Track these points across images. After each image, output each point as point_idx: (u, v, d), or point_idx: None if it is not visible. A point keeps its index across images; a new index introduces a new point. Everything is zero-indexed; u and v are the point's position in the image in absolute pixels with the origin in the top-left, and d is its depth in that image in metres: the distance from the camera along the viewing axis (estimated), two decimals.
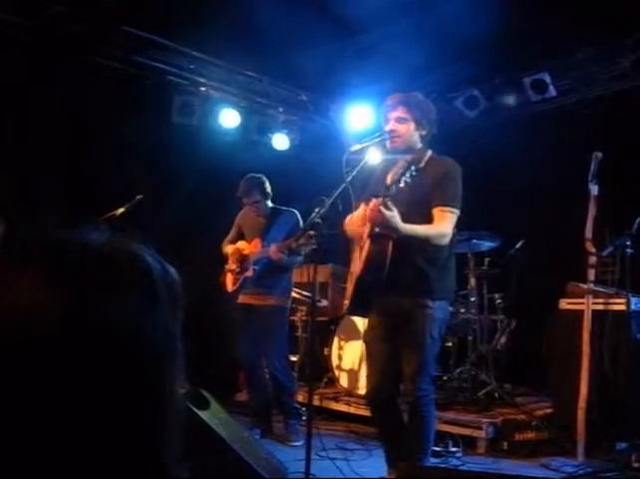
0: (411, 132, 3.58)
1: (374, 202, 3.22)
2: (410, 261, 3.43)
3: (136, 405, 0.62)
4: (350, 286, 3.67)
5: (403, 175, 3.16)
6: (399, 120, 3.56)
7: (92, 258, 0.64)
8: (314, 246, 3.58)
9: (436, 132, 3.70)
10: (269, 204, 5.32)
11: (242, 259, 5.25)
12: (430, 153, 3.65)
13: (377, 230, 3.37)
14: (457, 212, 3.48)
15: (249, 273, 5.15)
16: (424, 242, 3.42)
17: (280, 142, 7.43)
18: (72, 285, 0.61)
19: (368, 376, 3.82)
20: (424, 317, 3.45)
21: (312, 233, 3.53)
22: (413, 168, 3.20)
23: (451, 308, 5.63)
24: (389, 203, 3.19)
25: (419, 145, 3.63)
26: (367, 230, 3.47)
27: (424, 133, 3.62)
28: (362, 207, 3.67)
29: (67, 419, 0.59)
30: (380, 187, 3.47)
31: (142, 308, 0.64)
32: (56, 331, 0.59)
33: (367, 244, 3.43)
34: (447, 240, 3.47)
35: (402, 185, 3.18)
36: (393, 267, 3.37)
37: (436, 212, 3.44)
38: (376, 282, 3.42)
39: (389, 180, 3.21)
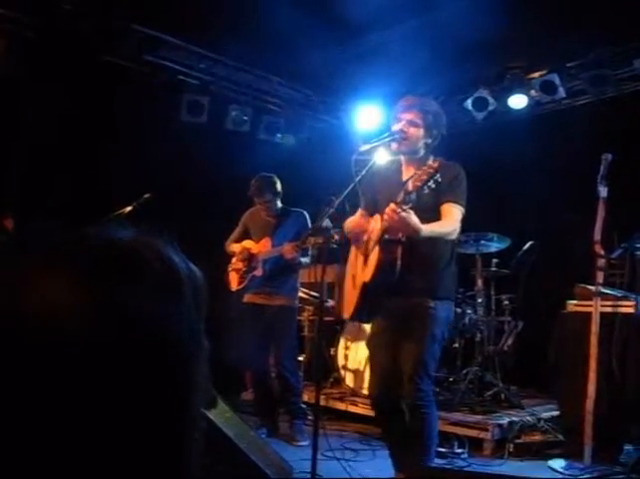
0: (419, 137, 3.56)
1: (390, 206, 3.19)
2: (416, 265, 3.43)
3: (161, 405, 0.62)
4: (352, 292, 3.66)
5: (426, 182, 3.08)
6: (411, 123, 3.55)
7: (120, 256, 0.63)
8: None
9: (439, 142, 3.68)
10: (279, 204, 5.32)
11: (250, 258, 5.24)
12: (431, 159, 3.64)
13: (387, 236, 3.36)
14: (463, 210, 3.49)
15: (258, 272, 5.14)
16: (434, 244, 3.42)
17: (288, 141, 7.44)
18: (100, 283, 0.60)
19: (371, 382, 3.81)
20: (425, 316, 3.44)
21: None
22: (438, 176, 3.12)
23: (458, 309, 5.67)
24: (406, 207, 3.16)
25: (422, 152, 3.62)
26: (376, 236, 3.46)
27: (429, 141, 3.60)
28: (359, 212, 3.70)
29: (92, 419, 0.58)
30: (394, 190, 3.48)
31: (169, 307, 0.63)
32: (84, 330, 0.58)
33: (376, 251, 3.43)
34: (456, 235, 3.49)
35: (426, 192, 3.12)
36: (400, 272, 3.39)
37: (445, 207, 3.43)
38: (385, 288, 3.44)
39: (410, 186, 3.12)
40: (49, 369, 0.57)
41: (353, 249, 3.79)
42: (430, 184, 3.08)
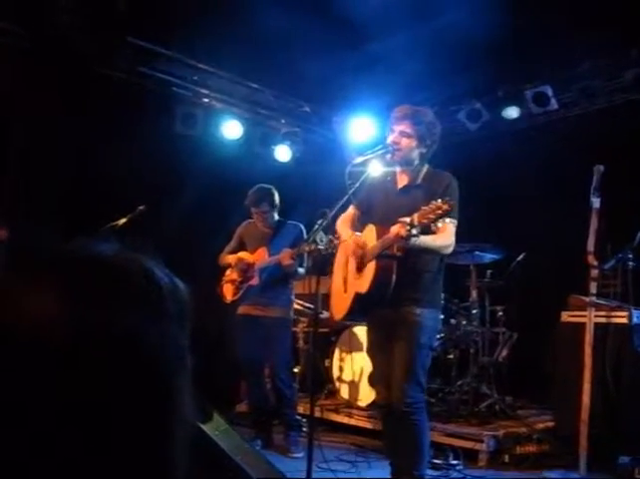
0: (412, 148, 3.59)
1: (396, 232, 3.23)
2: (405, 275, 3.44)
3: (145, 421, 0.62)
4: (342, 295, 3.68)
5: (434, 221, 3.08)
6: (402, 134, 3.57)
7: (103, 270, 0.63)
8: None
9: (436, 149, 3.70)
10: (276, 216, 5.32)
11: (246, 269, 5.22)
12: (426, 167, 3.67)
13: (385, 252, 3.39)
14: (456, 223, 3.51)
15: (255, 281, 5.13)
16: (422, 255, 3.45)
17: (282, 153, 7.45)
18: (82, 298, 0.60)
19: (375, 388, 3.82)
20: (411, 324, 3.46)
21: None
22: (446, 217, 3.15)
23: (453, 321, 5.67)
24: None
25: (416, 161, 3.65)
26: (373, 250, 3.48)
27: (424, 151, 3.63)
28: (352, 210, 3.72)
29: (73, 434, 0.58)
30: (389, 198, 3.58)
31: (152, 323, 0.63)
32: (66, 344, 0.58)
33: (373, 264, 3.46)
34: (451, 250, 3.52)
35: (432, 229, 3.15)
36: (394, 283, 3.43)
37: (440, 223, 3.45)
38: (380, 300, 3.47)
39: (416, 219, 3.11)
40: (29, 380, 0.57)
41: (341, 250, 3.80)
42: (438, 223, 3.11)
